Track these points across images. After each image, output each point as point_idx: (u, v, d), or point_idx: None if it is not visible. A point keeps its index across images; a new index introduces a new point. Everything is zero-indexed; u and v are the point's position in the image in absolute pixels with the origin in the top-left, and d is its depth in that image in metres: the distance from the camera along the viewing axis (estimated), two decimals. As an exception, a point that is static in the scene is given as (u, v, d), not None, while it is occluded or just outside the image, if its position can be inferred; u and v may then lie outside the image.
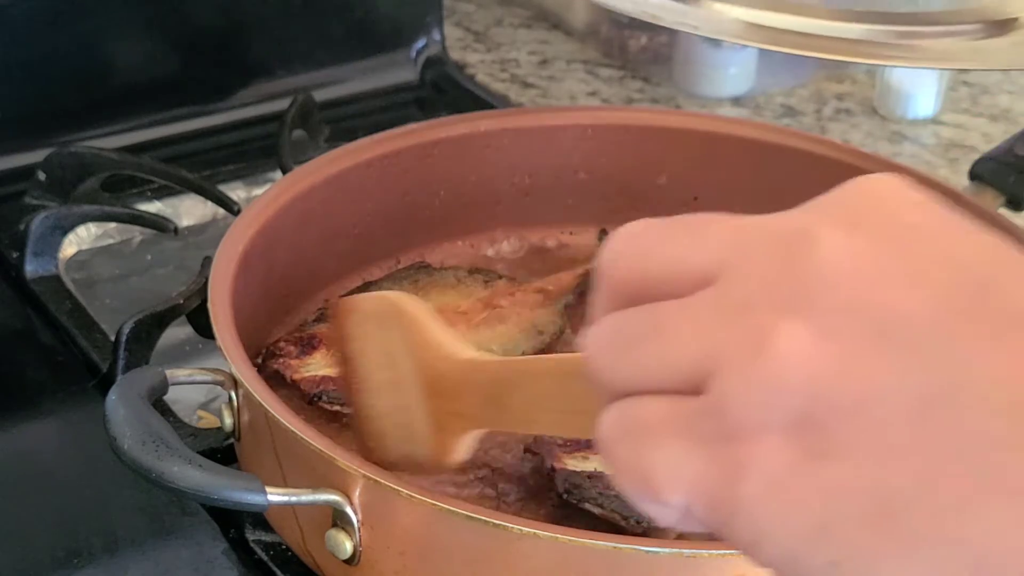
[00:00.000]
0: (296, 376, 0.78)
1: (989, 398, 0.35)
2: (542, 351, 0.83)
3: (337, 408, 0.77)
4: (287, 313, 0.85)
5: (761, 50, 1.19)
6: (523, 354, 0.81)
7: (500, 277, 0.88)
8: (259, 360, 0.80)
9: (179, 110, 1.10)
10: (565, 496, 0.70)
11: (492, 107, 1.13)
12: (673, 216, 0.40)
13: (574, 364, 0.51)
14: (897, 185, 0.39)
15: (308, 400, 0.77)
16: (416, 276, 0.87)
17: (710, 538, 0.69)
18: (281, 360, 0.79)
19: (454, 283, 0.87)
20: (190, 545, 0.72)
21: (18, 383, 0.86)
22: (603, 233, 0.93)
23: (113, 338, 0.83)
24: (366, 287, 0.86)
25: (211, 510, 0.74)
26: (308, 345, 0.80)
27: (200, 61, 1.11)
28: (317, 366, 0.79)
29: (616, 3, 0.81)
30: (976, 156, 0.92)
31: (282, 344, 0.80)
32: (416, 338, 0.61)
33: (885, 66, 1.06)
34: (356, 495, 0.64)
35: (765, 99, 1.20)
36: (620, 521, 0.69)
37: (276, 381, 0.78)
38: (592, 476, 0.71)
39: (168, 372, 0.71)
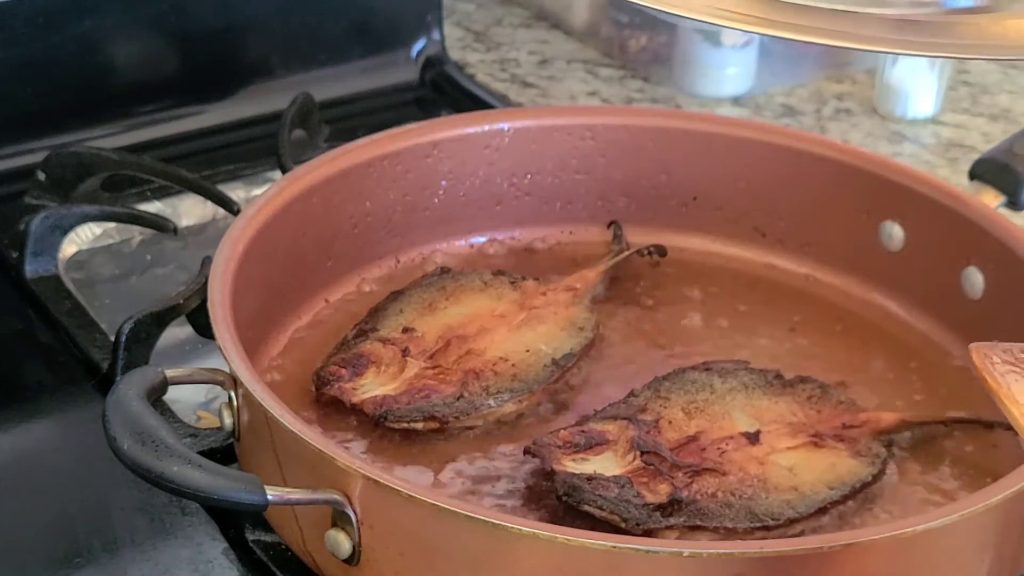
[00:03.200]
0: (355, 400, 0.77)
1: None
2: (587, 348, 0.83)
3: (404, 426, 0.76)
4: (287, 313, 0.85)
5: (761, 50, 1.19)
6: (571, 352, 0.82)
7: (524, 278, 0.88)
8: (313, 390, 0.79)
9: (179, 110, 1.10)
10: (565, 499, 0.70)
11: (492, 107, 1.13)
12: None
13: None
14: None
15: (374, 423, 0.77)
16: (442, 283, 0.87)
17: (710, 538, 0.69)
18: (336, 386, 0.78)
19: (481, 287, 0.87)
20: (190, 545, 0.72)
21: (18, 383, 0.86)
22: (613, 225, 0.93)
23: (113, 338, 0.83)
24: (393, 297, 0.85)
25: (211, 510, 0.74)
26: (358, 365, 0.79)
27: (200, 61, 1.11)
28: (372, 385, 0.78)
29: None
30: (976, 156, 0.92)
31: (331, 368, 0.79)
32: None
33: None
34: (356, 495, 0.64)
35: (765, 99, 1.20)
36: (619, 523, 0.69)
37: (336, 407, 0.78)
38: (591, 479, 0.71)
39: (168, 372, 0.71)
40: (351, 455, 0.65)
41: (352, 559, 0.65)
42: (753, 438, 0.75)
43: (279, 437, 0.68)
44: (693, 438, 0.75)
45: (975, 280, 0.85)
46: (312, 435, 0.66)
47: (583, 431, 0.74)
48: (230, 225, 0.81)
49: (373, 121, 1.06)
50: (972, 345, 0.61)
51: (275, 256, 0.83)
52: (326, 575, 0.69)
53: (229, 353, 0.71)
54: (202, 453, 0.67)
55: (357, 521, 0.64)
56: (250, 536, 0.73)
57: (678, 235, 0.93)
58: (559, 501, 0.71)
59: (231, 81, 1.12)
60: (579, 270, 0.90)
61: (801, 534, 0.71)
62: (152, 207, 1.00)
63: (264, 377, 0.73)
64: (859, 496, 0.74)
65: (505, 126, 0.93)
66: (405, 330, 0.82)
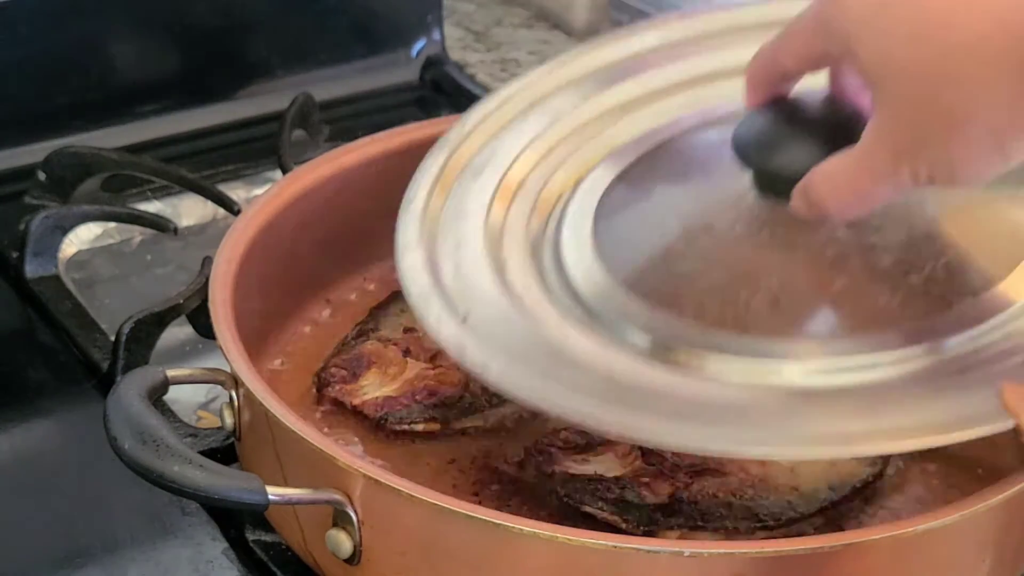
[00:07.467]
0: (356, 401, 0.77)
1: None
2: None
3: (405, 428, 0.76)
4: (287, 313, 0.85)
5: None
6: None
7: None
8: (314, 391, 0.79)
9: (179, 110, 1.10)
10: (566, 499, 0.70)
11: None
12: None
13: None
14: None
15: (376, 424, 0.77)
16: None
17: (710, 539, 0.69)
18: (337, 387, 0.78)
19: None
20: (190, 545, 0.72)
21: (18, 383, 0.86)
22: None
23: (113, 338, 0.83)
24: (394, 297, 0.84)
25: (211, 510, 0.74)
26: (358, 366, 0.79)
27: (200, 61, 1.11)
28: (373, 387, 0.78)
29: None
30: None
31: (332, 370, 0.79)
32: None
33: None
34: (356, 495, 0.64)
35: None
36: (620, 523, 0.69)
37: (337, 408, 0.78)
38: (592, 479, 0.71)
39: (168, 372, 0.71)
40: (352, 455, 0.65)
41: (353, 559, 0.65)
42: None
43: (280, 437, 0.68)
44: (694, 438, 0.75)
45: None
46: (313, 435, 0.66)
47: (584, 431, 0.74)
48: (230, 225, 0.81)
49: (373, 121, 1.06)
50: (1005, 384, 0.60)
51: (275, 256, 0.83)
52: (327, 575, 0.69)
53: (230, 353, 0.71)
54: (203, 453, 0.67)
55: (358, 521, 0.64)
56: (250, 536, 0.73)
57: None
58: (560, 502, 0.71)
59: (231, 81, 1.12)
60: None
61: (801, 534, 0.71)
62: (152, 207, 1.00)
63: (265, 377, 0.73)
64: (859, 496, 0.74)
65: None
66: (406, 330, 0.82)
